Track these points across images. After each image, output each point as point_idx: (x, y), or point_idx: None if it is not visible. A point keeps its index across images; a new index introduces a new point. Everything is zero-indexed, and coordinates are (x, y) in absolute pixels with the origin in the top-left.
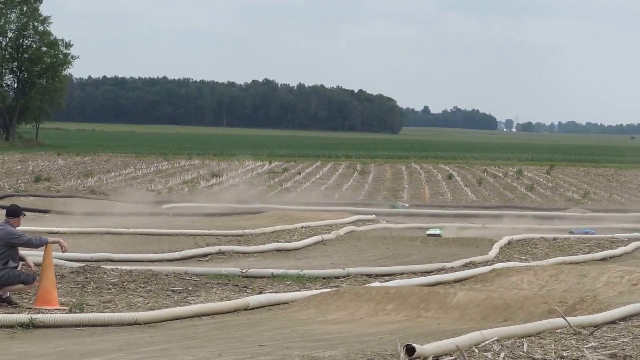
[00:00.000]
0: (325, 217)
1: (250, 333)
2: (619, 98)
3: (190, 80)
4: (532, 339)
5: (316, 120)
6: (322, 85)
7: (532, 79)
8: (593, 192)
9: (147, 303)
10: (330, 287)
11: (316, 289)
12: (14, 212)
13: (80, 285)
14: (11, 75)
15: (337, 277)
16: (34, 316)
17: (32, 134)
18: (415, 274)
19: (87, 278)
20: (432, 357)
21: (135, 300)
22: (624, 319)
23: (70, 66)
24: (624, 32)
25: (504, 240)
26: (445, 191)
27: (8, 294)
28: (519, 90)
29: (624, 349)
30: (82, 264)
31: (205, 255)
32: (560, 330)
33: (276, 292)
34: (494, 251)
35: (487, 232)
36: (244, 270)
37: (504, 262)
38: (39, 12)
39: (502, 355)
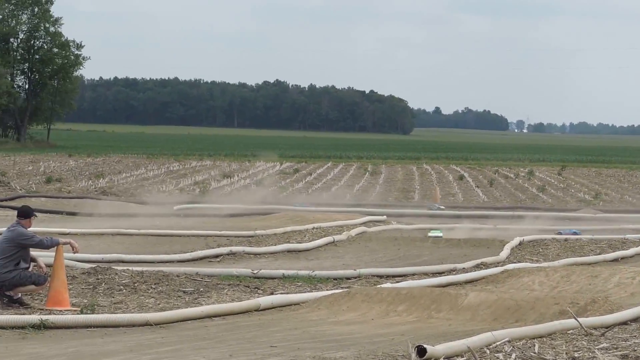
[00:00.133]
0: (336, 218)
1: (262, 334)
2: (630, 99)
3: (202, 81)
4: (543, 340)
5: (327, 121)
6: (333, 86)
7: (543, 79)
8: (604, 193)
9: (159, 304)
10: (342, 288)
11: (327, 290)
12: (26, 213)
13: (91, 286)
14: (22, 77)
15: (348, 278)
16: (45, 317)
17: (43, 135)
18: (426, 275)
19: (98, 279)
20: (444, 358)
21: (147, 301)
22: (635, 320)
23: (81, 67)
24: (635, 33)
25: (515, 241)
26: (456, 192)
27: (19, 295)
28: (531, 91)
29: (635, 350)
30: (93, 265)
31: (217, 256)
32: (571, 331)
33: (287, 293)
34: (505, 252)
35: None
36: (255, 271)
37: (515, 263)
38: (50, 13)
39: (513, 356)
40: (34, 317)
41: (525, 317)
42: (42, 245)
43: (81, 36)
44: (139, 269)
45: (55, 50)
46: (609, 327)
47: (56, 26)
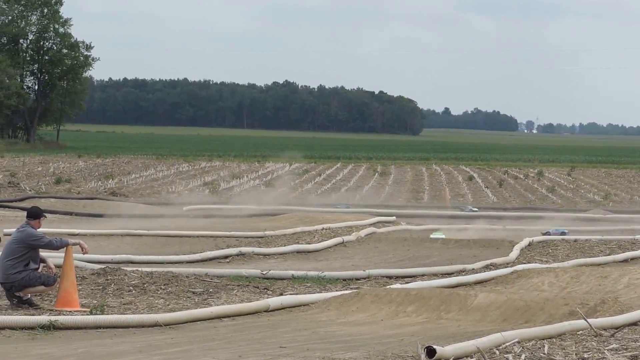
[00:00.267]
0: (346, 219)
1: (271, 335)
2: None
3: (211, 82)
4: (553, 341)
5: (337, 122)
6: (342, 87)
7: (553, 80)
8: (614, 193)
9: (168, 305)
10: (351, 288)
11: (337, 290)
12: (35, 214)
13: (101, 287)
14: (32, 77)
15: (357, 279)
16: (54, 318)
17: (52, 136)
18: (436, 275)
19: (107, 280)
20: (453, 359)
21: (156, 302)
22: None
23: (90, 68)
24: None
25: (525, 241)
26: (465, 192)
27: (29, 296)
28: (540, 91)
29: None
30: (102, 266)
31: (226, 256)
32: (581, 332)
33: (297, 294)
34: (514, 253)
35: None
36: (264, 272)
37: (524, 263)
38: (60, 14)
39: (523, 357)
40: (44, 318)
41: (535, 317)
42: (52, 246)
43: (90, 37)
44: (149, 269)
45: (65, 51)
46: (618, 328)
47: (65, 27)
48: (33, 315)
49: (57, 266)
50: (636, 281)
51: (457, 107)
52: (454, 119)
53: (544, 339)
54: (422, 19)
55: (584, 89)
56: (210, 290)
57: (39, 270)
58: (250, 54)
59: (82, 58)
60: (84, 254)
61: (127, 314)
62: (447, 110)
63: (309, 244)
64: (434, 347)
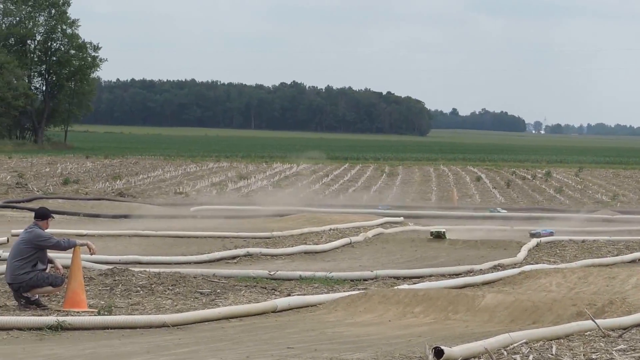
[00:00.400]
0: (353, 220)
1: (279, 335)
2: None
3: (219, 83)
4: (560, 342)
5: (344, 123)
6: (350, 88)
7: (561, 80)
8: (622, 194)
9: (176, 305)
10: (358, 289)
11: (344, 291)
12: (43, 215)
13: (108, 288)
14: (40, 78)
15: (365, 280)
16: (62, 318)
17: (60, 136)
18: (443, 276)
19: (115, 280)
20: None
21: (164, 302)
22: None
23: (98, 69)
24: None
25: (533, 242)
26: (473, 193)
27: (37, 297)
28: (548, 92)
29: None
30: (110, 266)
31: (233, 257)
32: (589, 332)
33: (304, 295)
34: (522, 253)
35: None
36: (272, 273)
37: (532, 264)
38: (67, 15)
39: (530, 357)
40: (51, 319)
41: (543, 318)
42: (59, 246)
43: (98, 38)
44: (156, 270)
45: (72, 52)
46: (626, 328)
47: (73, 28)
48: (41, 315)
49: (65, 267)
50: None
51: (465, 107)
52: (462, 119)
53: (551, 340)
54: (430, 19)
55: (591, 89)
56: (218, 290)
57: (47, 270)
58: (257, 54)
59: (89, 59)
60: (91, 254)
61: (134, 314)
62: (454, 111)
63: (317, 244)
64: (442, 347)
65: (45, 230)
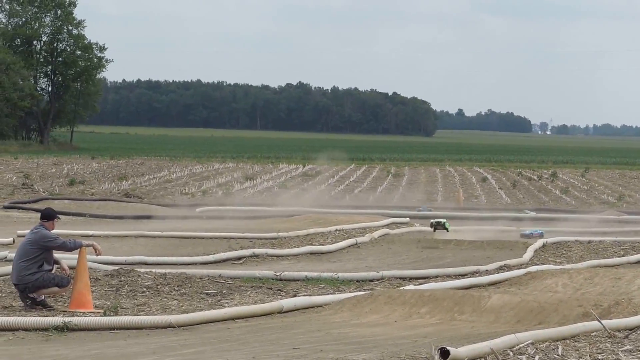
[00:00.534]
0: (359, 220)
1: (285, 336)
2: None
3: (225, 84)
4: (566, 342)
5: (350, 124)
6: (356, 88)
7: (567, 81)
8: (628, 195)
9: (181, 306)
10: (364, 290)
11: (350, 292)
12: (49, 216)
13: (114, 289)
14: (46, 79)
15: (371, 280)
16: (68, 319)
17: (66, 137)
18: (449, 277)
19: (121, 281)
20: None
21: (170, 303)
22: None
23: (104, 70)
24: None
25: (539, 243)
26: (479, 194)
27: (43, 297)
28: (554, 92)
29: None
30: (116, 267)
31: (239, 258)
32: (595, 333)
33: (310, 295)
34: (528, 254)
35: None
36: (278, 273)
37: (538, 265)
38: (73, 15)
39: (536, 358)
40: (57, 319)
41: (549, 319)
42: (65, 247)
43: (104, 38)
44: (162, 271)
45: (78, 52)
46: (632, 329)
47: (79, 29)
48: (47, 316)
49: (71, 267)
50: None
51: (471, 108)
52: (468, 120)
53: (557, 341)
54: (436, 20)
55: (598, 90)
56: (224, 291)
57: (53, 271)
58: (263, 55)
59: (95, 59)
60: (97, 255)
61: (140, 315)
62: (460, 112)
63: (323, 245)
64: (448, 348)
65: (51, 231)
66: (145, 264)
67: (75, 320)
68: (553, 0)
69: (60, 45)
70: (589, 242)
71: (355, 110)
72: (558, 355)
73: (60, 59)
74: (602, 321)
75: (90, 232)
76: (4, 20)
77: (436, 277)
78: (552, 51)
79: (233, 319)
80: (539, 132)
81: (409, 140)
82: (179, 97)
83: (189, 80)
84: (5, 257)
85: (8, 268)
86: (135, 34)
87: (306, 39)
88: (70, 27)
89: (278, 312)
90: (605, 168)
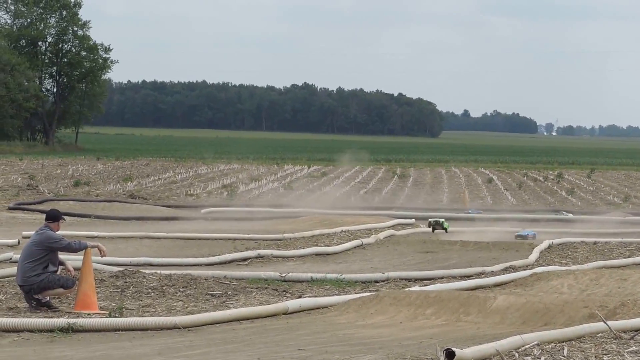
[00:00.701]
0: (365, 222)
1: (290, 337)
2: None
3: (230, 84)
4: (572, 343)
5: (356, 124)
6: (361, 89)
7: (572, 82)
8: (634, 195)
9: (187, 307)
10: (370, 291)
11: (355, 293)
12: (54, 217)
13: (119, 290)
14: (51, 80)
15: (376, 282)
16: (73, 320)
17: (71, 138)
18: (455, 278)
19: (126, 282)
20: None
21: (175, 304)
22: None
23: (109, 70)
24: None
25: (544, 244)
26: (485, 195)
27: (48, 298)
28: (560, 93)
29: None
30: (121, 268)
31: (245, 259)
32: (600, 334)
33: (315, 297)
34: (534, 255)
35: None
36: (283, 275)
37: (544, 266)
38: (79, 16)
39: (542, 359)
40: (62, 321)
41: (554, 320)
42: (70, 248)
43: (109, 39)
44: (167, 272)
45: (84, 53)
46: (638, 330)
47: (84, 29)
48: (52, 317)
49: (76, 269)
50: None
51: (477, 109)
52: (473, 121)
53: (563, 342)
54: (442, 21)
55: (603, 91)
56: (229, 292)
57: (58, 272)
58: (269, 56)
59: (100, 60)
60: (102, 256)
61: (145, 316)
62: (466, 113)
63: (328, 246)
64: (453, 349)
65: (56, 232)
66: (151, 265)
67: (80, 321)
68: (559, 0)
69: (66, 46)
70: (595, 243)
71: (361, 111)
72: (564, 356)
73: (65, 59)
74: (607, 322)
75: (95, 234)
76: (9, 21)
77: (442, 278)
78: (557, 52)
79: (238, 320)
80: (545, 133)
81: (414, 141)
82: (184, 98)
83: (194, 81)
84: (10, 259)
85: (13, 269)
86: (141, 34)
87: (311, 39)
88: (75, 28)
89: (283, 314)
90: (611, 169)
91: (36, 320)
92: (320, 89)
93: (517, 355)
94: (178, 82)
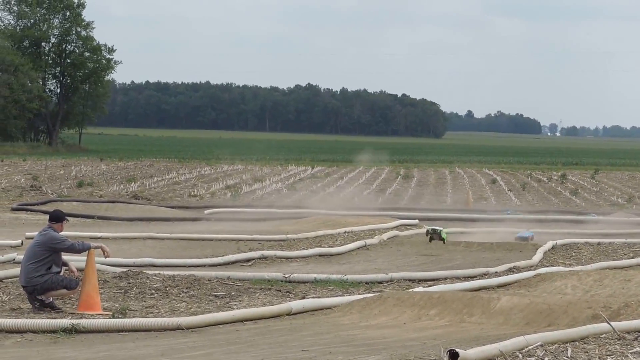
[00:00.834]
0: (368, 222)
1: (293, 338)
2: None
3: (233, 85)
4: (576, 344)
5: (359, 125)
6: (365, 90)
7: (576, 83)
8: (638, 196)
9: (190, 308)
10: (373, 292)
11: (359, 294)
12: (57, 218)
13: (122, 291)
14: (54, 81)
15: (380, 282)
16: (76, 321)
17: (74, 139)
18: (458, 279)
19: (129, 283)
20: None
21: (178, 305)
22: None
23: (113, 71)
24: None
25: (548, 244)
26: (489, 196)
27: (51, 299)
28: (564, 94)
29: None
30: (124, 269)
31: (248, 260)
32: (604, 335)
33: (319, 297)
34: (537, 256)
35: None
36: (286, 275)
37: (547, 266)
38: (82, 17)
39: None
40: (66, 322)
41: (558, 321)
42: (74, 249)
43: (113, 40)
44: (171, 273)
45: (87, 54)
46: None
47: (88, 30)
48: (55, 318)
49: (79, 269)
50: None
51: (480, 110)
52: (477, 121)
53: (567, 343)
54: (446, 21)
55: (607, 91)
56: (233, 293)
57: (61, 273)
58: (272, 56)
59: (104, 61)
60: (105, 257)
61: (149, 317)
62: (470, 113)
63: (332, 247)
64: (457, 350)
65: (60, 233)
66: (154, 265)
67: (83, 322)
68: (563, 1)
69: (69, 46)
70: (599, 243)
71: (365, 112)
72: (567, 357)
73: (68, 60)
74: (611, 323)
75: (98, 234)
76: (12, 22)
77: (445, 279)
78: (561, 52)
79: (242, 321)
80: (549, 134)
81: (418, 142)
82: (187, 99)
83: (198, 82)
84: (14, 259)
85: (16, 270)
86: (144, 35)
87: (315, 40)
88: (78, 29)
89: (287, 314)
90: (615, 170)
91: (39, 321)
92: (324, 89)
93: (520, 356)
94: (181, 82)
